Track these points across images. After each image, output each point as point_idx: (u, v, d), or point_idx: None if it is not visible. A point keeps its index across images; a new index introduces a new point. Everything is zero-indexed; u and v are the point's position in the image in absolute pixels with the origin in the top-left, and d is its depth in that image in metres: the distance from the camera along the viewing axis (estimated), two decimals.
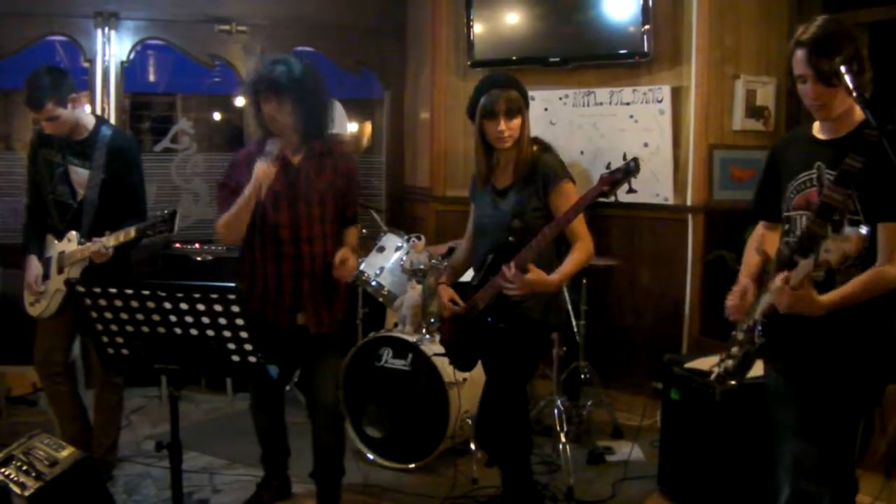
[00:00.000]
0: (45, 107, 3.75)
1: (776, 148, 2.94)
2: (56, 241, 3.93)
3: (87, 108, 4.18)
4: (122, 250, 3.83)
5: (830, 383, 2.63)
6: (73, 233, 3.88)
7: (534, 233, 3.19)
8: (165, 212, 3.56)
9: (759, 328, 2.66)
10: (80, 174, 3.91)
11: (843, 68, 2.51)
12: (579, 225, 3.30)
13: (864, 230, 2.23)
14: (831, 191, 2.55)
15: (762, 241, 2.97)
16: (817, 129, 2.74)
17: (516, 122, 3.35)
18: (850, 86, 2.46)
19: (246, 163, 3.56)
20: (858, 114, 2.62)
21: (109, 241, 3.69)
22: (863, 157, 2.51)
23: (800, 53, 2.57)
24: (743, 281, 2.85)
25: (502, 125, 3.32)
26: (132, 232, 3.65)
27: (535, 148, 3.49)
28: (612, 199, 3.04)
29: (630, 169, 2.98)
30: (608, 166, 3.36)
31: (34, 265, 3.97)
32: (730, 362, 2.81)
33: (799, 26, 2.63)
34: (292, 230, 3.53)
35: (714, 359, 2.90)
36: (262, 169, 3.37)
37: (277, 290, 3.56)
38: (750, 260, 2.93)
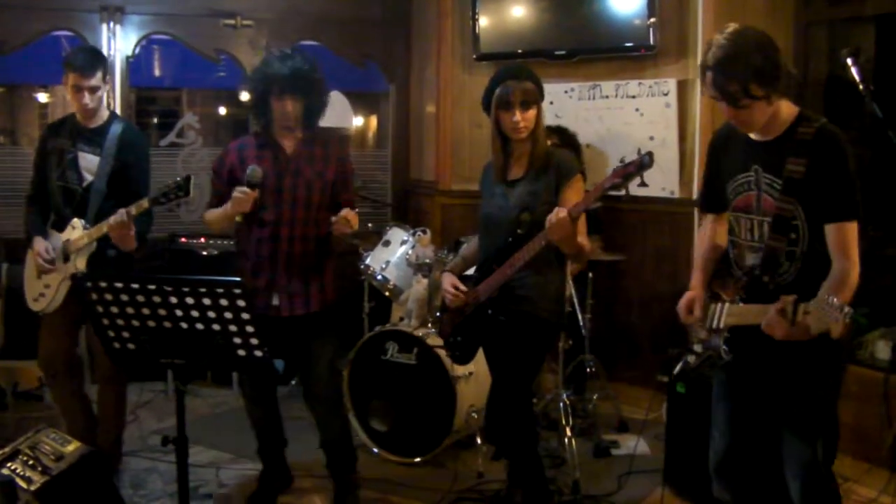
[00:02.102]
0: (95, 75, 3.82)
1: (714, 143, 2.93)
2: (58, 233, 3.93)
3: None
4: (140, 238, 3.84)
5: (799, 383, 2.66)
6: (78, 220, 3.87)
7: (543, 226, 3.18)
8: (179, 179, 3.53)
9: (725, 345, 2.68)
10: (89, 160, 3.92)
11: (849, 60, 2.50)
12: (581, 223, 3.28)
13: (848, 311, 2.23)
14: (782, 202, 2.56)
15: (713, 235, 2.98)
16: None
17: (531, 112, 3.35)
18: (857, 77, 2.46)
19: (237, 149, 3.71)
20: (786, 114, 2.62)
21: (132, 210, 3.64)
22: (801, 158, 2.50)
23: (708, 76, 2.58)
24: (692, 292, 2.86)
25: (518, 116, 3.32)
26: (145, 202, 3.62)
27: (549, 142, 3.49)
28: (623, 192, 3.02)
29: (644, 163, 2.97)
30: (622, 160, 3.38)
31: (40, 241, 3.93)
32: (692, 358, 2.83)
33: (714, 37, 2.60)
34: (274, 213, 3.60)
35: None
36: (238, 197, 3.47)
37: (255, 272, 3.64)
38: (700, 264, 2.95)
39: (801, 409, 2.68)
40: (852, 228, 2.53)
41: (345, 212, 3.51)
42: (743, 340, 2.66)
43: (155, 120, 8.91)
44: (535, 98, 3.36)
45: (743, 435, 2.84)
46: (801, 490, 2.68)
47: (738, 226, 2.77)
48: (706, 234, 3.00)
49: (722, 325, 2.69)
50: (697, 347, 2.83)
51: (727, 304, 2.70)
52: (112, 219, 3.69)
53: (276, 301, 3.62)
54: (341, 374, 4.62)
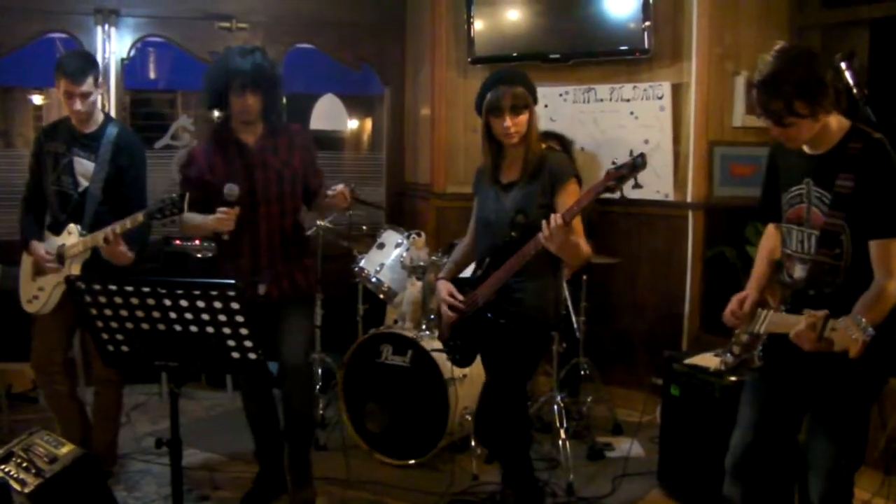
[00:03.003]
0: (86, 81, 3.80)
1: (774, 152, 2.93)
2: (54, 237, 3.92)
3: None
4: (139, 247, 3.86)
5: (835, 388, 2.66)
6: (73, 225, 3.86)
7: (537, 229, 3.17)
8: (175, 195, 3.55)
9: (761, 350, 2.68)
10: (84, 165, 3.91)
11: (843, 65, 2.51)
12: (577, 223, 3.27)
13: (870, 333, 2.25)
14: (831, 217, 2.56)
15: (771, 241, 2.98)
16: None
17: (522, 118, 3.33)
18: (851, 81, 2.46)
19: (202, 151, 3.79)
20: (837, 128, 2.62)
21: (116, 227, 3.65)
22: (850, 173, 2.51)
23: (755, 94, 2.58)
24: (748, 292, 2.87)
25: (508, 121, 3.30)
26: (140, 217, 3.62)
27: (543, 145, 3.48)
28: (618, 194, 3.02)
29: (637, 164, 2.97)
30: (614, 162, 3.38)
31: (38, 245, 3.93)
32: (730, 358, 2.84)
33: (763, 56, 2.59)
34: (249, 209, 3.65)
35: (713, 356, 2.92)
36: (222, 218, 3.51)
37: (237, 267, 3.70)
38: (759, 270, 2.96)
39: (834, 412, 2.69)
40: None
41: (341, 187, 3.66)
42: (780, 348, 2.65)
43: (149, 122, 8.88)
44: (525, 103, 3.34)
45: (765, 438, 2.85)
46: (823, 492, 2.69)
47: (790, 237, 2.78)
48: (765, 240, 3.02)
49: (763, 332, 2.70)
50: (736, 349, 2.84)
51: (771, 312, 2.72)
52: (99, 236, 3.70)
53: (261, 290, 3.71)
54: (313, 350, 4.72)
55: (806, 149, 2.70)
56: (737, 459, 2.91)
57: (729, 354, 2.87)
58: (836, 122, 2.62)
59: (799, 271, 2.74)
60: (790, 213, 2.77)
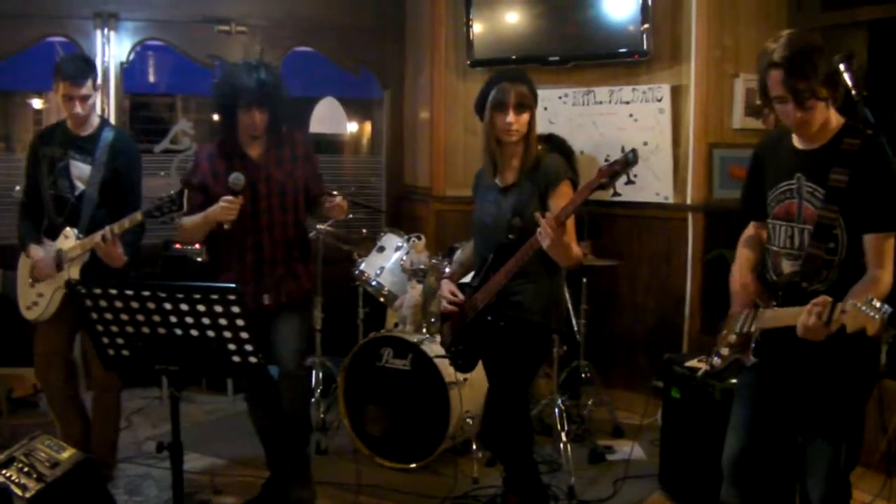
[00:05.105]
0: (86, 84, 3.82)
1: (759, 150, 2.94)
2: (50, 241, 3.92)
3: None
4: (132, 250, 3.86)
5: (830, 387, 2.65)
6: (70, 229, 3.86)
7: (534, 232, 3.17)
8: (172, 192, 3.56)
9: (754, 346, 2.68)
10: (80, 169, 3.92)
11: (842, 66, 2.51)
12: (569, 225, 3.27)
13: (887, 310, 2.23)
14: (825, 210, 2.56)
15: (755, 238, 2.99)
16: (796, 138, 2.73)
17: (524, 116, 3.35)
18: (850, 83, 2.46)
19: (206, 158, 3.80)
20: (834, 122, 2.62)
21: (114, 228, 3.68)
22: (845, 168, 2.51)
23: (775, 74, 2.54)
24: (743, 278, 2.87)
25: (511, 117, 3.32)
26: (138, 216, 3.66)
27: (540, 147, 3.48)
28: (612, 191, 3.02)
29: (629, 160, 2.97)
30: (607, 159, 3.36)
31: (37, 249, 3.93)
32: (717, 360, 2.82)
33: (768, 44, 2.58)
34: (252, 221, 3.71)
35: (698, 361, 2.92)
36: (225, 207, 3.57)
37: (241, 280, 3.69)
38: (744, 256, 2.98)
39: (831, 411, 2.68)
40: (890, 239, 2.55)
41: (339, 199, 3.72)
42: (774, 343, 2.65)
43: (149, 126, 8.89)
44: (529, 102, 3.36)
45: (760, 439, 2.84)
46: (824, 493, 2.69)
47: (777, 234, 2.77)
48: (745, 236, 3.04)
49: (754, 329, 2.69)
50: (724, 350, 2.83)
51: (759, 309, 2.71)
52: (95, 237, 3.71)
53: (266, 301, 3.76)
54: (310, 353, 4.74)
55: (798, 144, 2.70)
56: (732, 463, 2.90)
57: (716, 357, 2.85)
58: (835, 117, 2.63)
59: (787, 267, 2.73)
60: (777, 209, 2.76)
